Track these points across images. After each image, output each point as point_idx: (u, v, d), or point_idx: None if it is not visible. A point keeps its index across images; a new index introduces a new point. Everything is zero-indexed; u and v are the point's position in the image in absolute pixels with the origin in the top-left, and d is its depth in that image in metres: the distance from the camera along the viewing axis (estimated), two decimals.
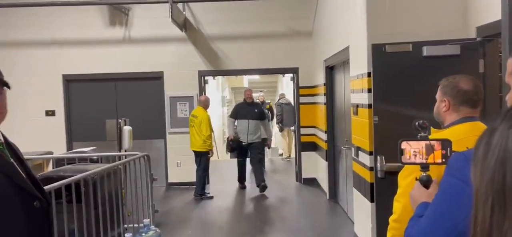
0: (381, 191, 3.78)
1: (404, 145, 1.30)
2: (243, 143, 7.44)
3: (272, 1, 7.47)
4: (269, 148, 10.33)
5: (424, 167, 1.31)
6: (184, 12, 7.72)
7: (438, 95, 1.94)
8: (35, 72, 7.77)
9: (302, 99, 8.00)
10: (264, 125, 7.71)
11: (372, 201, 4.03)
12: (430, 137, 1.61)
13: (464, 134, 1.80)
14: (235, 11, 7.68)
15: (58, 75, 7.85)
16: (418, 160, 1.30)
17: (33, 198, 1.48)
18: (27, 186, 1.48)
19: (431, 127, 1.98)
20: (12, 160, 1.48)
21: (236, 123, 7.65)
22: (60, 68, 7.85)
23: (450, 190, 1.11)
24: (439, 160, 1.30)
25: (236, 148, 7.80)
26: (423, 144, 1.30)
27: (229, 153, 8.78)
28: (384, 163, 3.69)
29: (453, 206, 1.08)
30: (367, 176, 4.11)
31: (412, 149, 1.30)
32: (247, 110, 7.48)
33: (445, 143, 1.31)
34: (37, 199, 1.49)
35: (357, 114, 4.46)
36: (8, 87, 1.48)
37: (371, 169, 4.00)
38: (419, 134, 1.37)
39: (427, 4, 3.92)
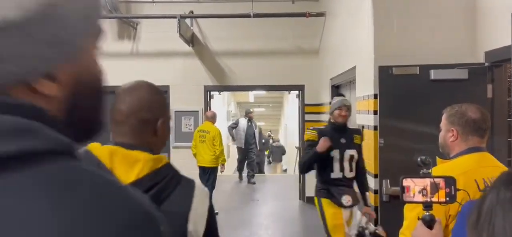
0: (386, 215, 3.72)
1: (406, 182, 1.26)
2: None
3: (279, 18, 7.48)
4: None
5: (427, 206, 1.26)
6: (191, 27, 7.75)
7: (443, 125, 1.88)
8: None
9: (307, 117, 7.95)
10: None
11: (376, 224, 3.94)
12: (435, 168, 1.56)
13: (471, 165, 1.75)
14: (243, 27, 7.69)
15: None
16: (421, 199, 1.25)
17: None
18: None
19: (437, 156, 1.93)
20: None
21: None
22: None
23: None
24: (443, 199, 1.25)
25: None
26: (427, 181, 1.25)
27: None
28: (389, 186, 3.63)
29: None
30: (372, 199, 4.04)
31: (416, 186, 1.25)
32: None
33: (449, 181, 1.26)
34: None
35: (362, 135, 4.40)
36: None
37: (375, 192, 3.93)
38: (422, 171, 1.32)
39: (436, 27, 3.88)
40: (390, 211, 3.62)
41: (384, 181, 3.65)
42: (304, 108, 7.95)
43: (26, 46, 0.48)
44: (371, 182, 4.05)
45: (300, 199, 8.05)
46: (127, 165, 1.07)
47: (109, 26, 7.82)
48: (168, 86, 7.86)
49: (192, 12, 7.47)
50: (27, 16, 0.47)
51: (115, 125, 1.18)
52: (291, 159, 14.95)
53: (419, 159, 1.33)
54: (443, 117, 1.89)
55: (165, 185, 1.08)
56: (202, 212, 1.14)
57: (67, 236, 0.43)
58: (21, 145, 0.45)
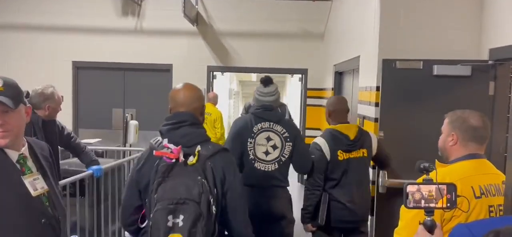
0: (382, 206, 3.80)
1: (410, 188, 1.31)
2: None
3: (285, 1, 7.45)
4: None
5: (429, 211, 1.32)
6: (196, 6, 7.72)
7: (445, 129, 1.92)
8: (46, 57, 7.81)
9: (309, 101, 8.01)
10: None
11: (371, 214, 4.03)
12: (433, 172, 1.61)
13: (469, 172, 1.80)
14: (248, 9, 7.67)
15: (68, 62, 7.89)
16: (424, 205, 1.31)
17: (40, 215, 1.52)
18: (35, 203, 1.51)
19: (436, 159, 1.98)
20: (26, 175, 1.52)
21: None
22: (71, 54, 7.89)
23: None
24: (445, 205, 1.31)
25: None
26: (432, 188, 1.30)
27: None
28: (386, 178, 3.70)
29: None
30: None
31: (422, 192, 1.30)
32: None
33: (450, 188, 1.32)
34: (45, 217, 1.52)
35: (363, 126, 4.45)
36: (25, 104, 1.53)
37: (373, 182, 4.00)
38: (423, 178, 1.37)
39: (441, 23, 3.89)
40: (386, 202, 3.70)
41: (381, 172, 3.71)
42: (307, 92, 7.98)
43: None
44: (369, 173, 4.11)
45: (298, 182, 8.16)
46: None
47: (112, 2, 7.78)
48: (171, 65, 7.88)
49: None
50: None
51: None
52: None
53: (421, 166, 1.38)
54: (446, 121, 1.92)
55: None
56: None
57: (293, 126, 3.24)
58: None
